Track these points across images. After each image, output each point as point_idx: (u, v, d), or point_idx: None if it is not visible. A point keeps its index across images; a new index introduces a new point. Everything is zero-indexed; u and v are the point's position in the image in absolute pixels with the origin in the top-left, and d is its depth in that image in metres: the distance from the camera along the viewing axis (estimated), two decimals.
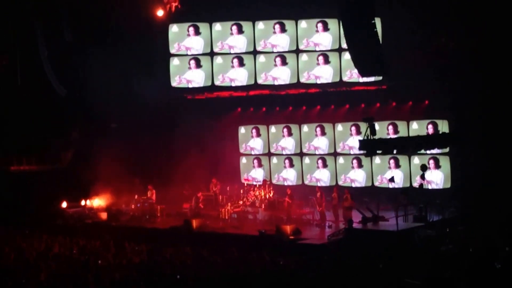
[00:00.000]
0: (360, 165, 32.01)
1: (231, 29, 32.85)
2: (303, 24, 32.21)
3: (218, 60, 33.09)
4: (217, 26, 33.02)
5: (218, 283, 17.87)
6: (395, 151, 27.89)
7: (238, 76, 32.97)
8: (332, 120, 32.81)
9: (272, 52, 32.62)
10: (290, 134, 33.91)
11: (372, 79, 29.71)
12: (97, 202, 32.24)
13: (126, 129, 33.28)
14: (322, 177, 32.97)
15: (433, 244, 22.13)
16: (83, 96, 32.22)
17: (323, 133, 33.02)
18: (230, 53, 32.99)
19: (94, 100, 31.56)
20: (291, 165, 33.85)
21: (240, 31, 32.81)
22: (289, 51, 32.41)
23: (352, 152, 32.19)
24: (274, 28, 32.50)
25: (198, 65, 33.17)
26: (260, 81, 32.77)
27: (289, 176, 33.87)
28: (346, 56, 29.62)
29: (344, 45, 29.03)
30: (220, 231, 26.80)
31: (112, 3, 30.79)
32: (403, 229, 23.61)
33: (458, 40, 28.00)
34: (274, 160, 34.43)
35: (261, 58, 32.74)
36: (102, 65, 30.26)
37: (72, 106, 32.82)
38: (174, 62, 33.31)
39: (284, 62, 32.48)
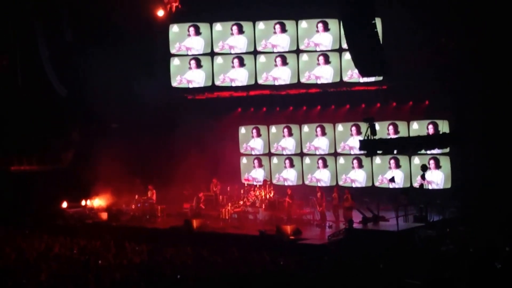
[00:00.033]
0: (360, 165, 32.02)
1: (232, 29, 32.86)
2: (303, 24, 32.23)
3: (219, 60, 33.09)
4: (218, 26, 33.03)
5: (218, 283, 17.87)
6: (395, 151, 27.93)
7: (239, 76, 32.99)
8: (333, 120, 32.81)
9: (273, 52, 32.63)
10: (290, 134, 33.91)
11: (372, 79, 29.73)
12: (98, 202, 32.25)
13: (126, 129, 33.28)
14: (322, 177, 32.97)
15: (433, 244, 22.12)
16: (83, 96, 32.21)
17: (324, 133, 33.03)
18: (230, 53, 33.00)
19: (95, 100, 31.59)
20: (292, 165, 33.85)
21: (241, 31, 32.82)
22: (289, 51, 32.42)
23: (352, 152, 32.19)
24: (274, 28, 32.51)
25: (199, 65, 33.18)
26: (260, 81, 32.78)
27: (289, 176, 33.88)
28: (347, 56, 29.65)
29: (345, 45, 29.04)
30: (221, 231, 26.79)
31: (112, 3, 30.81)
32: (403, 229, 23.60)
33: (458, 40, 28.01)
34: (275, 160, 34.43)
35: (261, 58, 32.75)
36: (103, 65, 30.26)
37: (73, 106, 32.84)
38: (175, 62, 33.32)
39: (284, 62, 32.49)
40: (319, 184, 32.04)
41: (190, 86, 33.38)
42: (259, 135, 34.78)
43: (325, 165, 32.93)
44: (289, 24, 32.36)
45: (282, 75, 32.59)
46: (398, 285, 16.77)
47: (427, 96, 29.92)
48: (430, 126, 29.84)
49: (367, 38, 23.65)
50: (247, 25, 32.77)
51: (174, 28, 33.24)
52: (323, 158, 33.01)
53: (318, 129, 33.12)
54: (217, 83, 33.14)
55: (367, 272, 18.08)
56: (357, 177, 32.13)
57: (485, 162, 27.30)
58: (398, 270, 17.99)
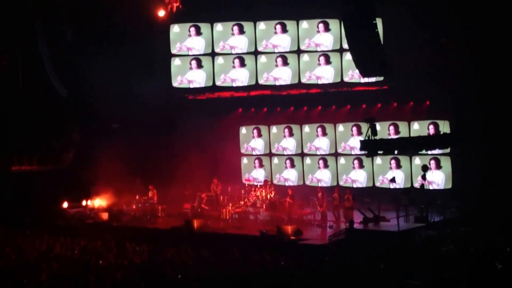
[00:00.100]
0: (361, 166, 32.01)
1: (232, 30, 32.86)
2: (304, 24, 32.22)
3: (219, 60, 33.09)
4: (218, 27, 33.02)
5: (219, 283, 17.87)
6: (396, 152, 27.94)
7: (239, 77, 32.98)
8: (333, 120, 32.80)
9: (273, 53, 32.63)
10: (291, 134, 33.90)
11: (373, 79, 29.71)
12: (98, 202, 32.27)
13: (127, 129, 33.30)
14: (323, 177, 32.96)
15: (434, 244, 22.12)
16: (84, 96, 32.22)
17: (324, 133, 33.02)
18: (231, 54, 33.00)
19: (95, 100, 31.61)
20: (292, 166, 33.84)
21: (241, 31, 32.82)
22: (290, 52, 32.42)
23: (353, 153, 32.18)
24: (275, 29, 32.51)
25: (199, 65, 33.18)
26: (261, 82, 32.77)
27: (290, 177, 33.87)
28: (347, 56, 29.65)
29: (345, 46, 29.04)
30: (221, 232, 26.80)
31: (113, 3, 30.79)
32: (404, 230, 23.62)
33: (459, 40, 28.00)
34: (275, 160, 34.42)
35: (262, 59, 32.75)
36: (103, 65, 30.26)
37: (73, 106, 32.83)
38: (175, 62, 33.32)
39: (285, 63, 32.49)
40: (320, 185, 32.03)
41: (191, 86, 33.39)
42: (259, 135, 34.77)
43: (326, 165, 32.92)
44: (290, 24, 32.36)
45: (283, 75, 32.59)
46: (399, 285, 16.76)
47: (428, 97, 29.91)
48: (431, 127, 29.82)
49: (368, 39, 23.65)
50: (247, 25, 32.76)
51: (175, 28, 33.24)
52: (323, 158, 33.00)
53: (319, 129, 33.11)
54: (218, 83, 33.14)
55: (367, 272, 18.09)
56: (358, 178, 32.12)
57: (486, 162, 27.31)
58: (399, 270, 17.99)
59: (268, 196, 29.20)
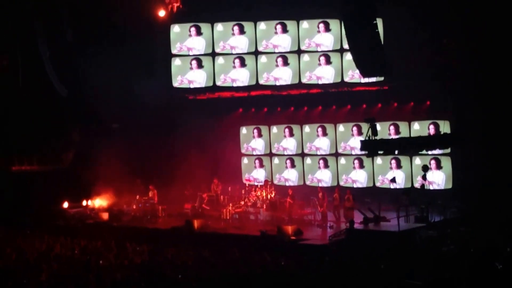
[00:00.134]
0: (361, 166, 32.01)
1: (233, 30, 32.86)
2: (304, 24, 32.22)
3: (220, 60, 33.09)
4: (219, 27, 33.02)
5: (219, 283, 17.87)
6: (396, 152, 27.93)
7: (240, 77, 32.98)
8: (334, 120, 32.80)
9: (274, 53, 32.63)
10: (291, 134, 33.91)
11: (373, 79, 29.63)
12: (99, 202, 32.26)
13: (127, 129, 33.30)
14: (323, 177, 32.96)
15: (434, 244, 22.12)
16: (84, 96, 32.21)
17: (325, 133, 33.02)
18: (231, 54, 33.00)
19: (95, 100, 31.62)
20: (293, 166, 33.84)
21: (242, 31, 32.81)
22: (290, 52, 32.42)
23: (353, 153, 32.19)
24: (275, 29, 32.51)
25: (200, 65, 33.18)
26: (261, 82, 32.77)
27: (290, 177, 33.87)
28: (348, 56, 29.67)
29: (346, 46, 29.01)
30: (222, 232, 26.81)
31: (113, 3, 30.78)
32: (404, 230, 23.63)
33: (459, 40, 28.00)
34: (276, 160, 34.42)
35: (262, 59, 32.75)
36: (103, 66, 30.26)
37: (73, 106, 32.80)
38: (176, 62, 33.32)
39: (285, 63, 32.49)
40: (320, 185, 32.03)
41: (191, 86, 33.39)
42: (260, 135, 34.77)
43: (326, 166, 32.92)
44: (290, 25, 32.36)
45: (283, 76, 32.59)
46: (399, 285, 16.76)
47: (428, 97, 29.91)
48: (431, 127, 29.83)
49: (368, 39, 23.65)
50: (248, 25, 32.76)
51: (175, 28, 33.24)
52: (324, 158, 33.00)
53: (319, 129, 33.12)
54: (218, 83, 33.14)
55: (368, 272, 18.09)
56: (358, 178, 32.12)
57: (486, 162, 27.32)
58: (399, 270, 17.99)
59: (269, 196, 29.20)
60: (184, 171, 31.13)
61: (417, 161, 30.25)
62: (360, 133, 31.52)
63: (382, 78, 28.92)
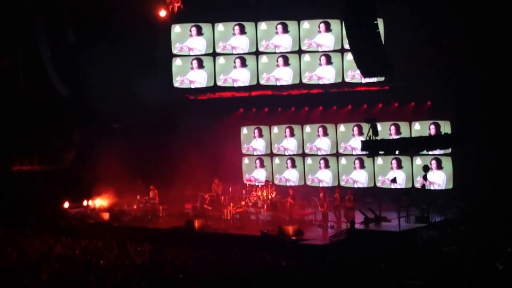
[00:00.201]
0: (362, 166, 32.01)
1: (234, 30, 32.83)
2: (305, 24, 32.20)
3: (221, 60, 33.07)
4: (220, 27, 33.00)
5: (220, 283, 17.89)
6: (397, 152, 27.92)
7: (241, 77, 32.96)
8: (335, 120, 32.78)
9: (275, 53, 32.61)
10: (292, 134, 33.90)
11: (374, 79, 29.71)
12: (99, 202, 32.27)
13: (128, 129, 33.29)
14: (324, 177, 32.94)
15: (435, 244, 22.15)
16: (85, 96, 32.19)
17: (325, 133, 33.01)
18: (232, 54, 32.98)
19: (96, 100, 31.58)
20: (293, 166, 33.82)
21: (243, 31, 32.80)
22: (291, 52, 32.40)
23: (354, 153, 32.17)
24: (276, 29, 32.50)
25: (201, 65, 33.16)
26: (262, 82, 32.76)
27: (291, 177, 33.85)
28: (349, 56, 29.67)
29: (347, 46, 28.90)
30: (222, 232, 26.81)
31: (114, 3, 30.78)
32: (405, 230, 23.66)
33: (460, 40, 27.99)
34: (276, 160, 34.41)
35: (263, 59, 32.74)
36: (104, 65, 30.27)
37: (74, 106, 32.82)
38: (177, 62, 33.30)
39: (286, 63, 32.47)
40: (321, 185, 32.03)
41: (192, 86, 33.36)
42: (261, 135, 34.75)
43: (327, 166, 32.91)
44: (291, 25, 32.34)
45: (284, 76, 32.57)
46: (400, 285, 16.78)
47: (429, 97, 29.90)
48: (432, 127, 29.81)
49: (369, 39, 23.65)
50: (249, 26, 32.75)
51: (176, 28, 33.22)
52: (325, 158, 32.99)
53: (320, 129, 33.11)
54: (219, 83, 33.12)
55: (368, 272, 18.10)
56: (359, 178, 32.11)
57: (487, 162, 27.31)
58: (400, 270, 18.02)
59: (269, 196, 29.18)
60: (185, 171, 31.14)
61: (418, 161, 30.24)
62: (361, 133, 31.50)
63: (382, 78, 28.97)
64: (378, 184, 31.53)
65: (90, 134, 33.87)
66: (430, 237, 23.16)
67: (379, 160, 31.46)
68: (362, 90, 31.75)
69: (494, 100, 27.22)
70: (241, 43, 32.85)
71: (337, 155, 32.77)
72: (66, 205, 31.91)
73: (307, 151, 33.53)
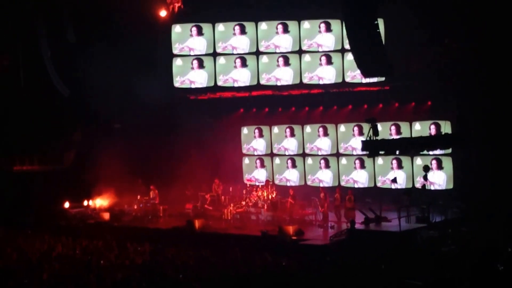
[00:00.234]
0: (362, 166, 32.00)
1: (234, 30, 32.83)
2: (306, 24, 32.21)
3: (221, 60, 33.07)
4: (220, 27, 33.00)
5: (220, 283, 17.89)
6: (397, 152, 27.92)
7: (241, 77, 32.96)
8: (335, 120, 32.77)
9: (275, 53, 32.61)
10: (292, 134, 33.89)
11: (374, 80, 29.71)
12: (100, 202, 32.26)
13: (128, 129, 33.30)
14: (324, 177, 32.93)
15: (435, 245, 22.15)
16: (85, 97, 32.21)
17: (326, 133, 33.00)
18: (233, 54, 32.98)
19: (97, 101, 31.61)
20: (294, 166, 33.82)
21: (243, 31, 32.80)
22: (291, 52, 32.39)
23: (354, 153, 32.17)
24: (277, 29, 32.50)
25: (201, 65, 33.16)
26: (262, 82, 32.76)
27: (291, 177, 33.84)
28: (349, 57, 29.66)
29: (347, 46, 28.91)
30: (223, 232, 26.80)
31: (115, 4, 30.78)
32: (405, 230, 23.65)
33: (461, 41, 27.98)
34: (277, 160, 34.41)
35: (263, 59, 32.74)
36: (105, 66, 30.26)
37: (75, 106, 32.82)
38: (177, 62, 33.30)
39: (286, 63, 32.47)
40: (321, 185, 32.03)
41: (193, 86, 33.36)
42: (261, 135, 34.74)
43: (327, 166, 32.90)
44: (292, 25, 32.34)
45: (284, 76, 32.57)
46: (400, 285, 16.77)
47: (429, 97, 29.90)
48: (432, 127, 29.81)
49: (370, 39, 23.66)
50: (249, 26, 32.75)
51: (177, 29, 33.22)
52: (325, 158, 32.99)
53: (321, 129, 33.10)
54: (219, 83, 33.11)
55: (369, 272, 18.10)
56: (359, 178, 32.10)
57: (487, 162, 27.32)
58: (400, 270, 18.02)
59: (270, 196, 29.19)
60: (185, 171, 31.16)
61: (418, 161, 30.23)
62: (361, 133, 31.51)
63: (383, 78, 29.01)
64: (379, 184, 31.52)
65: (91, 134, 33.88)
66: (431, 237, 23.15)
67: (380, 160, 31.46)
68: (362, 90, 31.74)
69: (495, 100, 27.22)
70: (241, 43, 32.85)
71: (338, 155, 32.76)
72: (67, 205, 31.90)
73: (307, 151, 33.53)
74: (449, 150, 29.00)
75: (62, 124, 33.28)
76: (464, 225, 24.53)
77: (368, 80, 29.93)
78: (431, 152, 29.28)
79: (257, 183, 31.91)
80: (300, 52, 32.27)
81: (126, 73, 31.39)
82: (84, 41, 31.96)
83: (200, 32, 33.08)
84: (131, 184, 31.62)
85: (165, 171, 32.66)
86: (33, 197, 31.47)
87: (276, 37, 32.56)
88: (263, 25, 32.66)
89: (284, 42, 32.48)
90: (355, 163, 32.21)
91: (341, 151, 32.68)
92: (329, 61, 31.85)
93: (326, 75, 31.97)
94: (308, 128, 33.52)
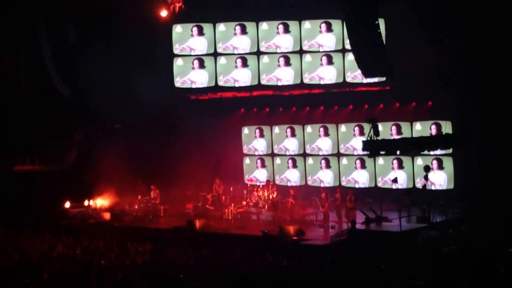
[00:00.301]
0: (363, 166, 32.00)
1: (235, 30, 32.83)
2: (306, 25, 32.21)
3: (222, 60, 33.07)
4: (221, 27, 33.00)
5: (221, 283, 17.89)
6: (398, 152, 27.89)
7: (242, 77, 32.97)
8: (336, 120, 32.77)
9: (276, 53, 32.61)
10: (293, 134, 33.89)
11: (375, 80, 29.75)
12: (100, 202, 32.25)
13: (129, 129, 33.30)
14: (325, 178, 32.93)
15: (436, 245, 22.14)
16: (86, 97, 32.22)
17: (327, 133, 33.00)
18: (233, 54, 32.97)
19: (98, 101, 31.62)
20: (294, 166, 33.81)
21: (244, 31, 32.81)
22: (292, 52, 32.39)
23: (355, 153, 32.18)
24: (277, 29, 32.50)
25: (202, 65, 33.16)
26: (263, 82, 32.76)
27: (292, 177, 33.84)
28: (350, 57, 29.63)
29: (348, 46, 28.99)
30: (223, 232, 26.80)
31: (115, 4, 30.79)
32: (406, 230, 23.63)
33: (462, 41, 27.97)
34: (278, 160, 34.41)
35: (264, 59, 32.74)
36: (106, 66, 30.28)
37: (75, 106, 32.83)
38: (178, 62, 33.31)
39: (287, 63, 32.47)
40: (322, 185, 32.03)
41: (193, 86, 33.37)
42: (262, 135, 34.75)
43: (328, 166, 32.90)
44: (292, 25, 32.33)
45: (285, 76, 32.57)
46: (401, 285, 16.78)
47: (430, 97, 29.90)
48: (433, 127, 29.82)
49: (370, 39, 23.65)
50: (250, 26, 32.75)
51: (178, 29, 33.22)
52: (326, 158, 32.99)
53: (321, 129, 33.10)
54: (220, 83, 33.12)
55: (369, 272, 18.11)
56: (360, 178, 32.10)
57: (488, 162, 27.32)
58: (401, 270, 18.02)
59: (270, 196, 29.18)
60: (186, 171, 31.15)
61: (419, 161, 30.21)
62: (362, 133, 31.53)
63: (384, 79, 29.05)
64: (379, 184, 31.52)
65: (91, 134, 33.90)
66: (431, 237, 23.14)
67: (380, 160, 31.45)
68: (363, 90, 31.75)
69: (495, 100, 27.20)
70: (242, 43, 32.86)
71: (338, 155, 32.76)
72: (67, 205, 31.90)
73: (308, 151, 33.53)
74: (450, 150, 28.99)
75: (62, 124, 33.28)
76: (465, 225, 24.53)
77: (368, 80, 29.99)
78: (431, 152, 29.27)
79: (257, 183, 31.89)
80: (301, 52, 32.27)
81: (127, 73, 31.38)
82: (85, 41, 31.99)
83: (201, 32, 33.09)
84: (131, 184, 31.62)
85: (166, 171, 32.66)
86: (34, 197, 31.43)
87: (277, 37, 32.56)
88: (264, 25, 32.66)
89: (285, 42, 32.48)
90: (355, 163, 32.21)
91: (341, 151, 32.68)
92: (330, 61, 31.86)
93: (327, 75, 31.97)
94: (308, 128, 33.53)
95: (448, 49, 28.00)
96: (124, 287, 17.58)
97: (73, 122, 34.07)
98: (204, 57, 33.14)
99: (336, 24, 31.58)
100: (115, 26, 31.60)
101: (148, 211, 30.57)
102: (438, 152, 29.04)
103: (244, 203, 29.29)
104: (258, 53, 32.71)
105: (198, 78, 33.21)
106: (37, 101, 32.28)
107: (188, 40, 33.19)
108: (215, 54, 33.04)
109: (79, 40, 32.28)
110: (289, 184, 33.42)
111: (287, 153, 34.13)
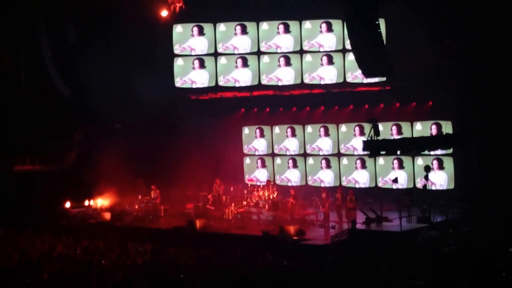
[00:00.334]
0: (363, 166, 32.00)
1: (235, 30, 32.82)
2: (307, 24, 32.19)
3: (222, 60, 33.06)
4: (221, 27, 33.00)
5: (221, 283, 17.89)
6: (398, 152, 27.89)
7: (242, 77, 32.96)
8: (336, 120, 32.78)
9: (276, 53, 32.60)
10: (293, 134, 33.89)
11: (376, 80, 29.74)
12: (101, 202, 32.24)
13: (129, 129, 33.29)
14: (325, 178, 32.93)
15: (436, 245, 22.14)
16: (86, 97, 32.21)
17: (327, 133, 33.00)
18: (234, 54, 32.96)
19: (98, 101, 31.61)
20: (295, 166, 33.81)
21: (244, 31, 32.80)
22: (293, 52, 32.38)
23: (355, 153, 32.18)
24: (278, 29, 32.49)
25: (202, 65, 33.15)
26: (264, 82, 32.75)
27: (292, 177, 33.84)
28: (350, 57, 29.64)
29: (348, 46, 29.04)
30: (224, 232, 26.79)
31: (116, 3, 30.78)
32: (406, 230, 23.64)
33: (462, 41, 27.96)
34: (278, 160, 34.41)
35: (265, 59, 32.73)
36: (106, 66, 30.28)
37: (76, 106, 32.83)
38: (178, 62, 33.30)
39: (288, 63, 32.46)
40: (322, 185, 32.03)
41: (194, 86, 33.35)
42: (262, 135, 34.75)
43: (329, 166, 32.90)
44: (293, 25, 32.32)
45: (285, 76, 32.56)
46: (401, 285, 16.77)
47: (431, 97, 29.91)
48: (434, 127, 29.82)
49: (371, 39, 23.65)
50: (250, 26, 32.74)
51: (178, 28, 33.22)
52: (326, 158, 32.99)
53: (322, 129, 33.10)
54: (221, 83, 33.11)
55: (370, 272, 18.11)
56: (360, 178, 32.10)
57: (488, 162, 27.28)
58: (401, 270, 18.02)
59: (271, 196, 29.17)
60: (186, 171, 31.16)
61: (419, 161, 30.21)
62: (362, 133, 31.54)
63: (384, 79, 29.03)
64: (380, 184, 31.52)
65: (91, 134, 33.89)
66: (431, 237, 23.15)
67: (381, 160, 31.45)
68: (363, 90, 31.75)
69: (496, 100, 27.18)
70: (242, 43, 32.85)
71: (339, 155, 32.76)
72: (68, 205, 31.88)
73: (308, 151, 33.53)
74: (450, 150, 29.00)
75: (62, 124, 33.27)
76: (465, 225, 24.53)
77: (369, 80, 29.98)
78: (432, 152, 29.27)
79: (258, 183, 31.88)
80: (301, 52, 32.27)
81: (127, 73, 31.38)
82: (85, 41, 31.98)
83: (201, 32, 33.08)
84: (132, 184, 31.62)
85: (166, 171, 32.65)
86: (34, 197, 31.45)
87: (277, 37, 32.56)
88: (264, 25, 32.65)
89: (285, 42, 32.48)
90: (356, 163, 32.22)
91: (342, 151, 32.68)
92: (330, 61, 31.85)
93: (327, 75, 31.96)
94: (309, 128, 33.53)
95: (448, 49, 27.98)
96: (124, 287, 17.57)
97: (73, 122, 34.06)
98: (205, 57, 33.13)
99: (337, 24, 31.58)
100: (115, 26, 31.59)
101: (149, 211, 30.56)
102: (439, 152, 29.05)
103: (245, 203, 29.29)
104: (259, 53, 32.70)
105: (198, 78, 33.20)
106: (37, 101, 32.28)
107: (188, 40, 33.19)
108: (216, 54, 33.03)
109: (79, 40, 32.28)
110: (289, 184, 33.42)
111: (288, 153, 34.13)
